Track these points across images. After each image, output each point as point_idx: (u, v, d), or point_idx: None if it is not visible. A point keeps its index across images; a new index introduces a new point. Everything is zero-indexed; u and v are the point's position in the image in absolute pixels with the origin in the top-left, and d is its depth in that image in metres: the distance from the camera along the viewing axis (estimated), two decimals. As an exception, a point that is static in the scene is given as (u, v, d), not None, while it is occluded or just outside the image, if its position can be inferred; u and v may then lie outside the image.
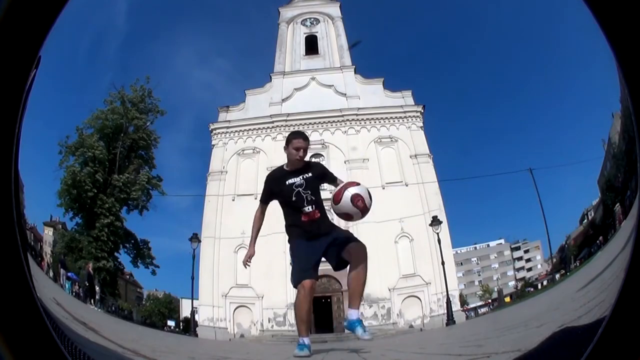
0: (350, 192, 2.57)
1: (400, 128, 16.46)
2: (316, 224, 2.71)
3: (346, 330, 2.72)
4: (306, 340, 2.56)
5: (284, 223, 2.84)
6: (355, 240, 2.71)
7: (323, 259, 2.76)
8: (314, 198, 2.73)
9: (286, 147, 2.79)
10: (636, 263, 0.68)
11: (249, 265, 2.89)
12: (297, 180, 2.75)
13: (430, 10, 24.27)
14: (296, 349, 2.54)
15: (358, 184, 2.68)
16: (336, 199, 2.59)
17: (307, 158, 2.87)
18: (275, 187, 2.81)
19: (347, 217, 2.60)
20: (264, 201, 2.90)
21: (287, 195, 2.73)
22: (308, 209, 2.69)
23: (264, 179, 2.91)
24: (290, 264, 2.78)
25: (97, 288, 12.25)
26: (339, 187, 2.67)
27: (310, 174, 2.78)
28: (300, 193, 2.71)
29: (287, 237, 2.83)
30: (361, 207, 2.55)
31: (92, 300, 11.13)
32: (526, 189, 13.49)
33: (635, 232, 0.69)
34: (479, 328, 4.95)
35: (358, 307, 2.71)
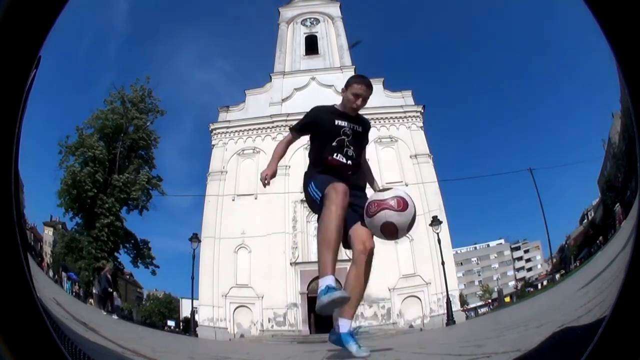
0: (384, 217, 2.01)
1: (400, 128, 16.47)
2: (347, 174, 2.30)
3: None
4: (332, 281, 1.94)
5: (309, 167, 2.38)
6: (369, 232, 2.17)
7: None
8: (351, 153, 2.33)
9: (344, 90, 2.42)
10: (636, 263, 0.68)
11: (267, 185, 2.33)
12: (346, 126, 2.35)
13: (430, 10, 24.27)
14: (323, 296, 1.90)
15: (401, 199, 2.06)
16: (368, 212, 2.06)
17: None
18: (322, 119, 2.38)
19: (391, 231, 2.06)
20: (298, 130, 2.46)
21: (330, 135, 2.31)
22: (342, 157, 2.29)
23: (311, 109, 2.49)
24: (313, 191, 2.18)
25: (115, 294, 11.82)
26: (377, 197, 2.09)
27: (360, 129, 2.41)
28: (345, 141, 2.32)
29: (307, 178, 2.32)
30: (389, 233, 2.02)
31: (109, 308, 10.48)
32: (526, 189, 13.50)
33: (635, 232, 0.69)
34: (479, 328, 4.95)
35: (352, 317, 2.15)
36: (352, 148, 2.33)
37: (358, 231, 2.17)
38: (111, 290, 11.07)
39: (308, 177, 2.32)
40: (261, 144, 16.32)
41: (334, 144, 2.30)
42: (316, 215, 2.22)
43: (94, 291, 12.16)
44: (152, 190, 14.57)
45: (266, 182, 2.32)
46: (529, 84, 17.39)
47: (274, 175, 2.35)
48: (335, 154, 2.28)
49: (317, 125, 2.39)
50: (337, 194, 2.02)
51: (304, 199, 2.37)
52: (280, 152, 2.49)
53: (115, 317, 9.81)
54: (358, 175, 2.39)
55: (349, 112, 2.41)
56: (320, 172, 2.29)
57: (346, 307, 2.14)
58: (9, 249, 0.71)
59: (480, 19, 19.78)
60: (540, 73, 16.49)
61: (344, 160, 2.29)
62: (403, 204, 2.06)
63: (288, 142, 2.50)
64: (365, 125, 2.50)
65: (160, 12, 24.18)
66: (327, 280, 1.96)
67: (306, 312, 14.19)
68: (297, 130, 2.48)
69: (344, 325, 2.11)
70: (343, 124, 2.35)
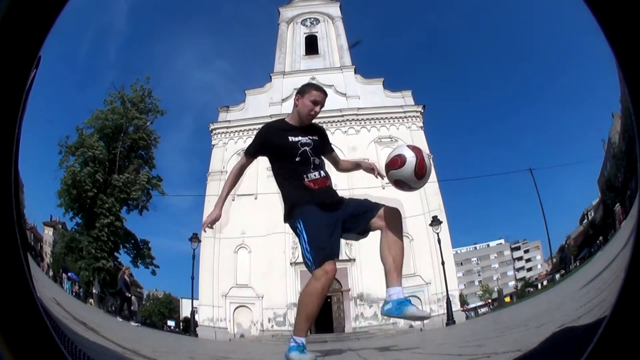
0: (414, 155, 2.16)
1: (400, 128, 16.47)
2: (328, 193, 2.24)
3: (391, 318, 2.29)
4: (304, 341, 2.06)
5: (284, 192, 2.27)
6: (385, 205, 2.24)
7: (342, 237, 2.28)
8: (319, 164, 2.27)
9: (299, 98, 2.32)
10: (636, 263, 0.68)
11: (209, 228, 2.36)
12: (303, 138, 2.25)
13: (430, 10, 24.29)
14: (294, 352, 1.99)
15: (418, 148, 2.26)
16: (395, 163, 2.15)
17: None
18: (274, 139, 2.27)
19: (401, 185, 2.19)
20: (251, 154, 2.32)
21: (290, 154, 2.21)
22: (315, 175, 2.21)
23: (260, 129, 2.36)
24: (302, 239, 2.12)
25: (133, 299, 11.11)
26: (396, 150, 2.23)
27: (316, 137, 2.32)
28: (307, 153, 2.23)
29: (290, 209, 2.21)
30: (422, 174, 2.16)
31: (127, 314, 9.66)
32: (526, 189, 13.50)
33: (635, 232, 0.69)
34: (479, 328, 4.95)
35: (400, 283, 2.15)
36: (316, 158, 2.26)
37: (383, 214, 2.21)
38: (129, 294, 10.31)
39: (292, 209, 2.20)
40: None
41: (297, 160, 2.20)
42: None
43: (93, 290, 12.11)
44: (152, 190, 14.59)
45: (205, 229, 2.33)
46: (529, 84, 17.39)
47: (216, 220, 2.32)
48: (307, 174, 2.20)
49: (271, 145, 2.27)
50: (327, 277, 2.05)
51: (285, 219, 2.29)
52: (231, 184, 2.42)
53: (133, 323, 9.15)
54: (333, 187, 2.33)
55: (304, 120, 2.32)
56: (303, 201, 2.19)
57: (394, 274, 2.17)
58: (9, 249, 0.71)
59: (480, 18, 19.78)
60: (541, 73, 16.50)
61: (318, 175, 2.22)
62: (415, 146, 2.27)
63: (242, 167, 2.39)
64: (322, 133, 2.42)
65: (160, 12, 24.19)
66: (303, 340, 2.05)
67: (306, 312, 14.16)
68: (251, 154, 2.33)
69: (397, 292, 2.13)
70: (298, 139, 2.25)
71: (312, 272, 2.07)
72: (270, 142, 2.27)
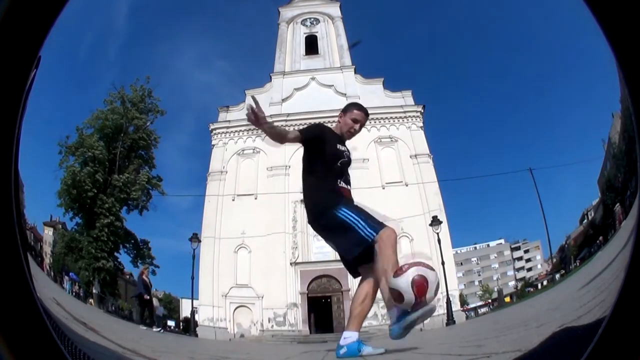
0: (417, 271, 1.97)
1: (400, 128, 16.49)
2: (351, 197, 2.34)
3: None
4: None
5: (315, 191, 2.32)
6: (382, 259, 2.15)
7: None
8: (349, 179, 2.38)
9: (342, 115, 2.51)
10: (636, 263, 0.68)
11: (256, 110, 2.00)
12: (345, 152, 2.40)
13: (430, 10, 24.30)
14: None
15: (429, 267, 2.04)
16: (397, 271, 2.03)
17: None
18: (328, 139, 2.36)
19: (397, 296, 1.99)
20: (304, 135, 2.31)
21: (334, 158, 2.32)
22: (344, 184, 2.33)
23: (317, 125, 2.52)
24: (353, 220, 2.13)
25: (155, 302, 10.49)
26: (407, 263, 2.07)
27: (350, 156, 2.45)
28: (345, 166, 2.37)
29: (326, 206, 2.23)
30: (419, 294, 1.94)
31: (148, 319, 8.79)
32: (526, 189, 13.52)
33: (635, 232, 0.69)
34: (479, 328, 4.95)
35: (355, 328, 2.27)
36: (348, 173, 2.39)
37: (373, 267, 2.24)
38: (149, 297, 9.35)
39: (330, 204, 2.22)
40: (261, 144, 16.33)
41: (336, 168, 2.32)
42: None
43: (93, 290, 12.10)
44: (152, 190, 14.61)
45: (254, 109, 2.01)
46: (529, 84, 17.42)
47: (259, 114, 2.02)
48: (340, 182, 2.31)
49: (324, 144, 2.34)
50: (395, 231, 2.12)
51: (316, 218, 2.29)
52: (278, 129, 2.32)
53: (154, 329, 8.41)
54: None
55: (344, 136, 2.48)
56: (339, 200, 2.25)
57: (355, 321, 2.33)
58: (9, 249, 0.71)
59: (481, 19, 19.80)
60: (541, 73, 16.52)
61: (348, 187, 2.34)
62: (427, 265, 2.05)
63: (286, 135, 2.32)
64: (350, 154, 2.52)
65: (160, 12, 24.21)
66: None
67: (306, 312, 14.20)
68: (304, 135, 2.33)
69: (352, 336, 2.24)
70: (344, 149, 2.41)
71: (377, 237, 2.10)
72: (325, 139, 2.37)
